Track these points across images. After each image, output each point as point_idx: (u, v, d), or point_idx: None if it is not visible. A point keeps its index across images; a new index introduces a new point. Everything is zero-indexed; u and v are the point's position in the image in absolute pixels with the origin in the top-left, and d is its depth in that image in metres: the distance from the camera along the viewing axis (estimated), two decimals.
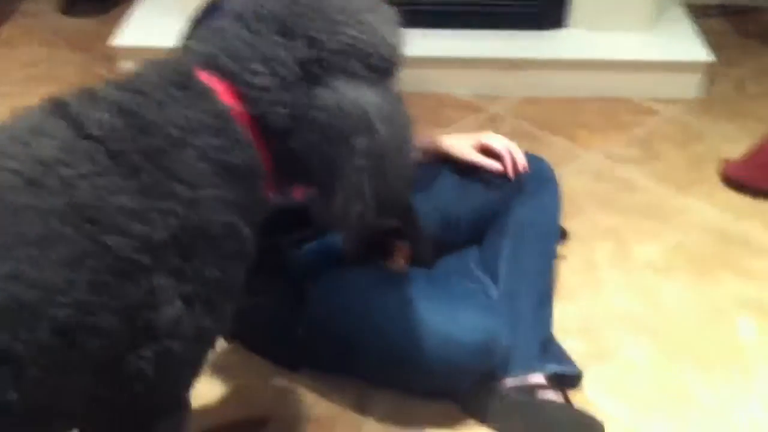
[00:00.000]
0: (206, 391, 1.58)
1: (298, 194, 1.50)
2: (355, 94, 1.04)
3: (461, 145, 1.71)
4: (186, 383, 1.06)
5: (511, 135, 1.75)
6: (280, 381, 1.60)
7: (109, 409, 1.00)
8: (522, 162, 1.69)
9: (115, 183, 0.90)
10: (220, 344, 1.66)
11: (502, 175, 1.68)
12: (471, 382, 1.48)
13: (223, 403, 1.56)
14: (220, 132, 0.99)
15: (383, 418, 1.53)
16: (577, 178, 2.24)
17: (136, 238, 0.90)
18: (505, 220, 1.68)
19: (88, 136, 0.91)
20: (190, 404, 1.10)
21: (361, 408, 1.55)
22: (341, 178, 1.05)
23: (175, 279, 0.94)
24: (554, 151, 2.33)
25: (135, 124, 0.93)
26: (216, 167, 0.98)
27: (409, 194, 1.18)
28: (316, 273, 1.53)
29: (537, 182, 1.71)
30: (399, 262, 1.53)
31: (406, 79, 2.65)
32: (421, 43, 2.57)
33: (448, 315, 1.43)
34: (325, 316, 1.50)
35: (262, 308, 1.54)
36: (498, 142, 1.70)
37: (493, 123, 2.48)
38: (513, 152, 1.70)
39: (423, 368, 1.44)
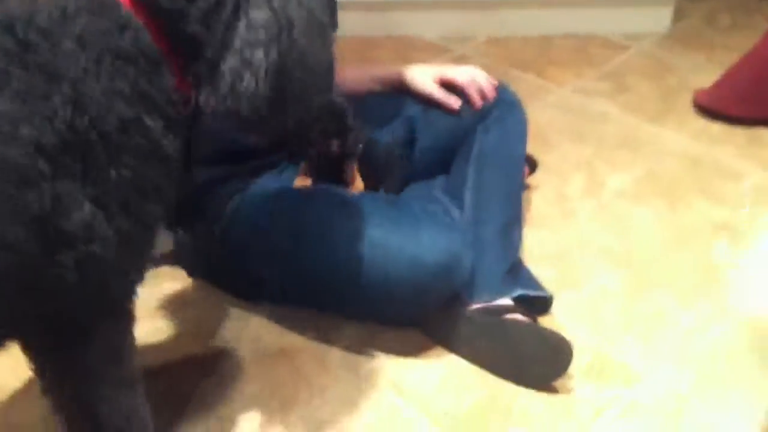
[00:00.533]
0: (166, 324, 1.54)
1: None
2: None
3: (422, 78, 1.67)
4: (120, 291, 1.01)
5: None
6: (243, 314, 1.56)
7: (41, 321, 0.96)
8: (488, 90, 1.66)
9: None
10: (182, 279, 1.62)
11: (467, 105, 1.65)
12: (435, 304, 1.44)
13: (184, 336, 1.52)
14: (101, 14, 0.92)
15: (348, 347, 1.49)
16: (548, 113, 2.20)
17: (26, 144, 0.84)
18: (469, 148, 1.64)
19: None
20: (132, 314, 1.06)
21: (326, 338, 1.50)
22: (231, 51, 0.97)
23: (79, 183, 0.88)
24: (524, 88, 2.28)
25: None
26: (100, 55, 0.90)
27: (327, 90, 1.11)
28: (271, 208, 1.49)
29: (500, 108, 1.66)
30: (359, 185, 1.48)
31: (374, 23, 2.61)
32: None
33: (409, 236, 1.38)
34: (284, 250, 1.45)
35: (219, 240, 1.50)
36: (461, 74, 1.66)
37: (459, 62, 2.41)
38: (478, 81, 1.66)
39: (387, 292, 1.39)
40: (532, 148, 1.91)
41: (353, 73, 1.75)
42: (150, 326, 1.52)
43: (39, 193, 0.85)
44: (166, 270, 1.66)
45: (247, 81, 0.98)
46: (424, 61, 2.42)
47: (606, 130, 2.14)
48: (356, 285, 1.40)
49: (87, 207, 0.89)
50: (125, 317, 1.05)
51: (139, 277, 1.03)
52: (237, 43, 0.98)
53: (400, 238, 1.38)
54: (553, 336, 1.42)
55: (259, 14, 0.97)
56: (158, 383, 1.39)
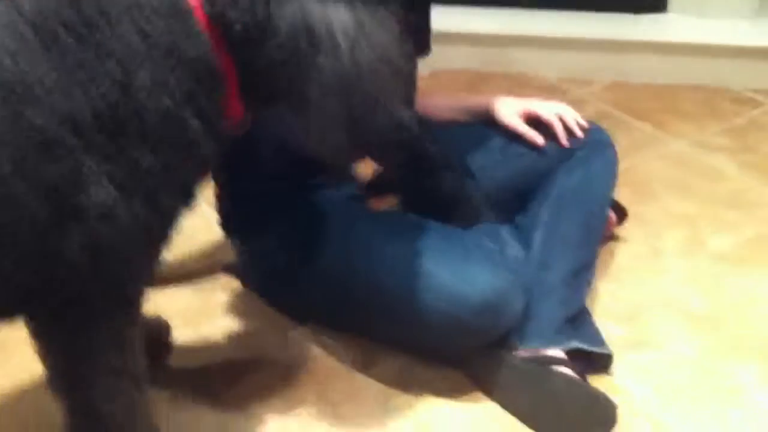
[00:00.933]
0: (208, 331, 1.53)
1: None
2: (322, 9, 0.99)
3: (507, 110, 1.61)
4: (127, 280, 1.01)
5: (592, 118, 1.65)
6: (286, 332, 1.52)
7: (45, 295, 0.96)
8: (575, 128, 1.56)
9: (38, 59, 0.87)
10: (236, 291, 1.62)
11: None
12: (479, 344, 1.35)
13: (222, 346, 1.50)
14: (171, 17, 0.94)
15: (385, 379, 1.41)
16: (657, 163, 2.07)
17: (58, 114, 0.87)
18: (548, 186, 1.54)
19: (20, 13, 0.90)
20: (139, 305, 1.06)
21: (365, 367, 1.44)
22: (310, 102, 1.01)
23: (103, 160, 0.90)
24: (636, 136, 2.17)
25: None
26: (160, 50, 0.93)
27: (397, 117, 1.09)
28: (324, 221, 1.45)
29: (589, 148, 1.57)
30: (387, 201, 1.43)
31: (489, 58, 2.55)
32: (512, 21, 2.48)
33: (456, 269, 1.31)
34: (329, 263, 1.41)
35: (269, 254, 1.48)
36: (546, 109, 1.59)
37: (575, 105, 2.31)
38: (565, 118, 1.57)
39: (426, 323, 1.32)
40: (629, 198, 1.81)
41: (440, 101, 1.71)
42: (192, 332, 1.51)
43: (61, 165, 0.87)
44: (222, 281, 1.65)
45: (333, 137, 1.03)
46: None
47: (717, 187, 1.98)
48: (395, 312, 1.35)
49: (108, 187, 0.90)
50: (131, 307, 1.04)
51: (148, 269, 1.03)
52: (313, 91, 1.01)
53: (444, 270, 1.31)
54: (599, 396, 1.30)
55: (328, 62, 0.99)
56: (184, 384, 1.39)
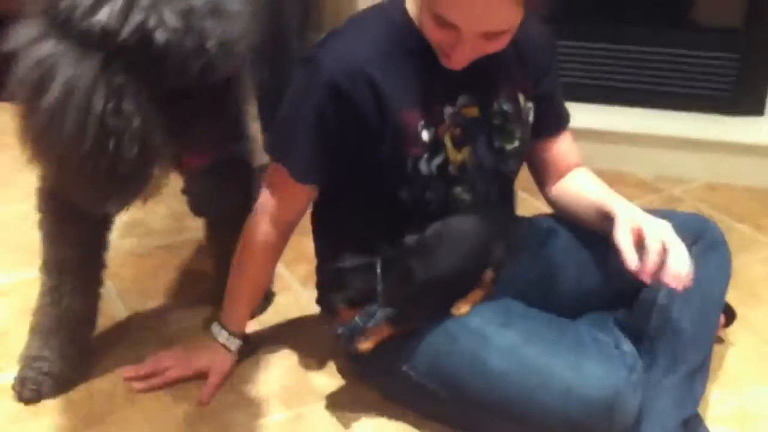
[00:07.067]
0: (308, 410, 1.49)
1: None
2: None
3: (621, 218, 1.37)
4: None
5: None
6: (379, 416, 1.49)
7: None
8: (675, 273, 1.26)
9: None
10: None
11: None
12: None
13: (323, 423, 1.46)
14: None
15: None
16: (760, 268, 2.00)
17: None
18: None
19: None
20: None
21: None
22: None
23: None
24: (736, 238, 2.11)
25: None
26: None
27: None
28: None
29: (702, 245, 1.51)
30: (464, 308, 1.38)
31: (588, 154, 2.52)
32: (606, 117, 2.47)
33: (569, 363, 1.26)
34: (436, 351, 1.37)
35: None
36: (654, 236, 1.29)
37: (671, 204, 2.29)
38: (670, 252, 1.28)
39: (537, 421, 1.27)
40: (736, 300, 1.74)
41: (580, 196, 1.61)
42: (289, 412, 1.48)
43: None
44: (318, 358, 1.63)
45: None
46: (630, 197, 2.29)
47: None
48: (501, 408, 1.30)
49: None
50: None
51: None
52: None
53: (557, 363, 1.27)
54: None
55: None
56: None
